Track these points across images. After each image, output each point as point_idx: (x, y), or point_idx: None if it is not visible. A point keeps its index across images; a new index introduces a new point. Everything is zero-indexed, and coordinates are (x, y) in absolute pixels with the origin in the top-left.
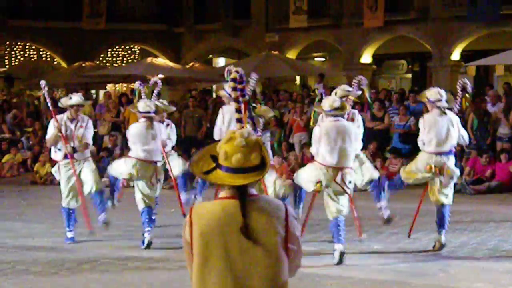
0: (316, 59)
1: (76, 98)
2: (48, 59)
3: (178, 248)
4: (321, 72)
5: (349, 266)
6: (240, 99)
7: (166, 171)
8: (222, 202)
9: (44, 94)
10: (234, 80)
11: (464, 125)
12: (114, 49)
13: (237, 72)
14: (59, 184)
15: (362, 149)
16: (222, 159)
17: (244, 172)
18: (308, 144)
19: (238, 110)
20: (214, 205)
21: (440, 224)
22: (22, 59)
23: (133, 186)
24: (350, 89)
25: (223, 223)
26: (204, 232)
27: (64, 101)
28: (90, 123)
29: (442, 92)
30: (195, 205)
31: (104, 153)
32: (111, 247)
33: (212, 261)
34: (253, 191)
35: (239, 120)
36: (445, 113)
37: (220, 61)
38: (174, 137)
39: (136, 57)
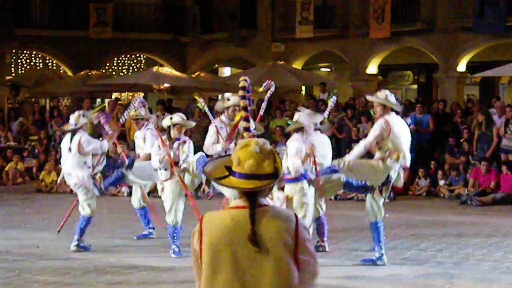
0: (322, 69)
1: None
2: (54, 68)
3: (185, 257)
4: (323, 81)
5: (354, 276)
6: (248, 108)
7: None
8: (231, 212)
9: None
10: (243, 88)
11: (471, 137)
12: (120, 58)
13: (245, 80)
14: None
15: None
16: (235, 165)
17: (255, 178)
18: None
19: (247, 119)
20: (224, 214)
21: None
22: (28, 67)
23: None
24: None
25: (232, 232)
26: (213, 241)
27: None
28: None
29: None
30: (205, 215)
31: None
32: (117, 255)
33: (221, 270)
34: (264, 201)
35: (247, 129)
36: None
37: (226, 71)
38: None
39: (142, 66)
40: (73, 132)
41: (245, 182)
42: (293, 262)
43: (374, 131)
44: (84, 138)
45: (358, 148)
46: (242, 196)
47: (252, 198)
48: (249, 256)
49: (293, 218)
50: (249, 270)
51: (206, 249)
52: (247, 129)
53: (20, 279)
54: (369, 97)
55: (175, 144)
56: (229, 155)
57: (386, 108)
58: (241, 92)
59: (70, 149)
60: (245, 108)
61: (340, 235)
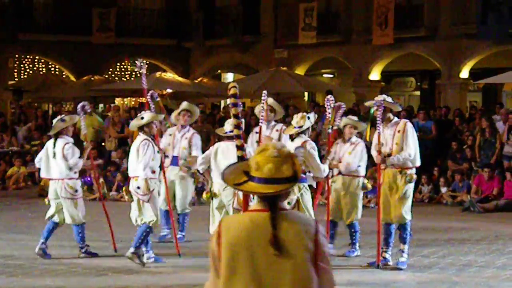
0: (324, 75)
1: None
2: (57, 73)
3: (191, 260)
4: (329, 89)
5: (356, 282)
6: (240, 115)
7: None
8: (251, 214)
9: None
10: (234, 95)
11: (474, 143)
12: (123, 63)
13: (235, 87)
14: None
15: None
16: (253, 170)
17: (275, 182)
18: None
19: (238, 127)
20: (243, 217)
21: None
22: (31, 72)
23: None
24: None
25: (252, 234)
26: (232, 243)
27: None
28: None
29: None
30: (224, 217)
31: (112, 167)
32: (120, 259)
33: (239, 272)
34: (284, 205)
35: (238, 137)
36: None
37: (229, 77)
38: None
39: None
40: (55, 137)
41: (265, 187)
42: (312, 267)
43: (414, 140)
44: (68, 146)
45: (403, 158)
46: (262, 200)
47: (272, 202)
48: (267, 258)
49: (313, 223)
50: (267, 273)
51: (224, 250)
52: (238, 137)
53: (22, 283)
54: (368, 103)
55: None
56: (247, 159)
57: (386, 110)
58: (232, 100)
59: (54, 155)
60: (236, 116)
61: (344, 241)
